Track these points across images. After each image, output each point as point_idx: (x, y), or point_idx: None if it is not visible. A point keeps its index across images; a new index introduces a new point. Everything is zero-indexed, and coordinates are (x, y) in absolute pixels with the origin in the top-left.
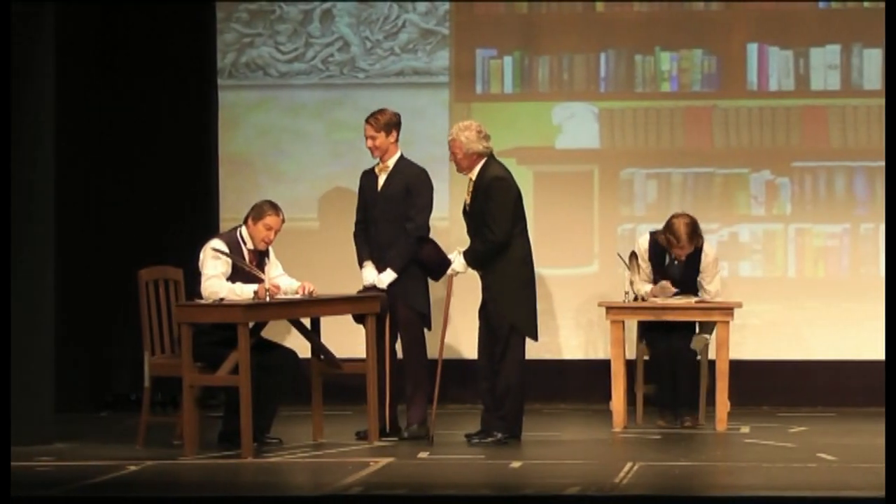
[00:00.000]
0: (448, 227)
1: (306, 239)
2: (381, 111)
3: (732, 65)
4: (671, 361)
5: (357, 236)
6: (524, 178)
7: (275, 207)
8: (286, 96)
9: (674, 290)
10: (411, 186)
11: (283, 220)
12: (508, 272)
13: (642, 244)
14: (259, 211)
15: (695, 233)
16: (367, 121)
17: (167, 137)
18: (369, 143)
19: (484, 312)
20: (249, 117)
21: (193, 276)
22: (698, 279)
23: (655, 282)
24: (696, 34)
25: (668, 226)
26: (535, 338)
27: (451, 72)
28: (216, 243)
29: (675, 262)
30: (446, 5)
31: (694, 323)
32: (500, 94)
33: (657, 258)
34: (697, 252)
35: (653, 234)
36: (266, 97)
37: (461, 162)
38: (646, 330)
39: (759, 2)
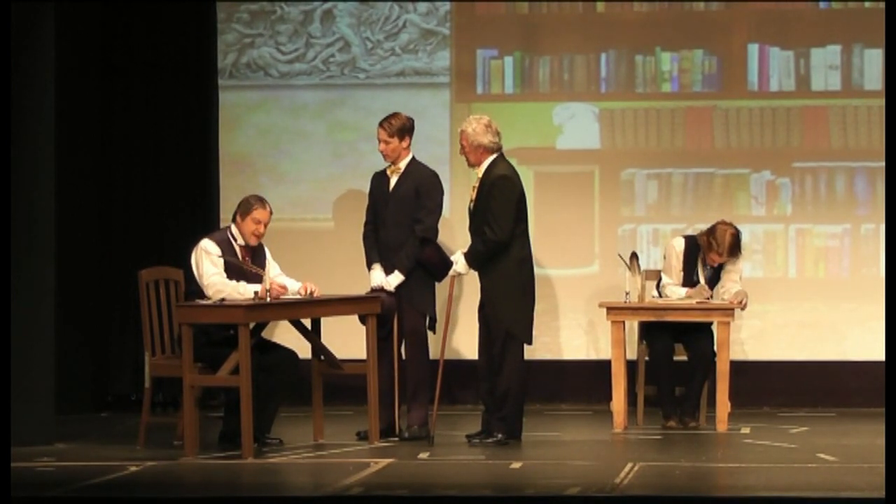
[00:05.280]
0: (450, 226)
1: (307, 239)
2: (395, 116)
3: (733, 65)
4: (693, 362)
5: (366, 238)
6: (525, 179)
7: (261, 201)
8: (287, 97)
9: (710, 292)
10: (421, 188)
11: (270, 213)
12: (506, 274)
13: (677, 247)
14: (246, 206)
15: (737, 246)
16: (380, 125)
17: (168, 138)
18: (381, 146)
19: (483, 313)
20: (250, 118)
21: (191, 277)
22: (722, 274)
23: (686, 286)
24: (696, 34)
25: (713, 231)
26: (529, 342)
27: (452, 72)
28: (208, 244)
29: (706, 268)
30: (447, 6)
31: (705, 323)
32: (500, 95)
33: (690, 263)
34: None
35: (688, 238)
36: (267, 97)
37: (468, 155)
38: (648, 330)
39: (760, 2)
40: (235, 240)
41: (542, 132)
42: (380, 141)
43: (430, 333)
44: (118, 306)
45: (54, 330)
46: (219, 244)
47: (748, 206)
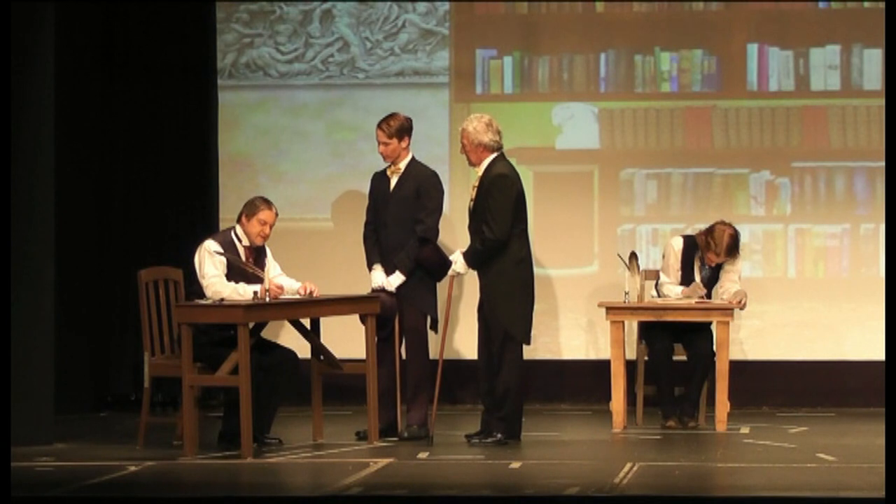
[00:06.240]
0: (450, 226)
1: (306, 239)
2: (393, 116)
3: (732, 65)
4: (692, 362)
5: (367, 239)
6: (524, 179)
7: (267, 202)
8: (286, 96)
9: (704, 290)
10: (422, 189)
11: (276, 215)
12: (504, 274)
13: (676, 246)
14: (252, 207)
15: (735, 247)
16: (378, 126)
17: (167, 137)
18: (381, 148)
19: (482, 313)
20: (249, 117)
21: (191, 277)
22: (721, 274)
23: (684, 285)
24: (696, 34)
25: (711, 231)
26: (527, 342)
27: (451, 72)
28: (211, 244)
29: (705, 268)
30: (446, 5)
31: (704, 323)
32: (500, 95)
33: (688, 263)
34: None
35: (686, 238)
36: (266, 97)
37: (469, 154)
38: (647, 330)
39: (759, 2)
40: (240, 240)
41: (542, 132)
42: (379, 143)
43: (430, 333)
44: (118, 306)
45: (54, 330)
46: (222, 245)
47: (747, 206)
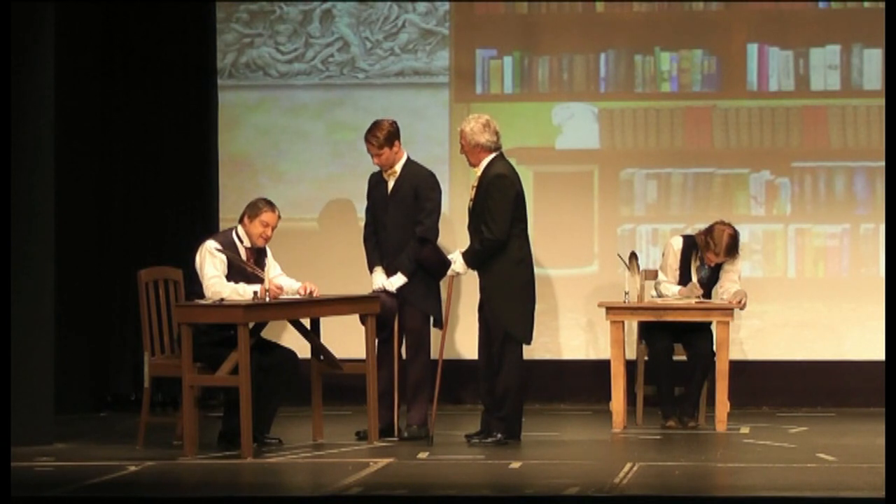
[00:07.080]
0: (450, 226)
1: (306, 239)
2: (377, 126)
3: (732, 65)
4: (692, 362)
5: (367, 240)
6: (524, 179)
7: (270, 204)
8: (286, 96)
9: (701, 291)
10: (419, 190)
11: (279, 217)
12: (504, 274)
13: (675, 246)
14: (255, 208)
15: (734, 247)
16: (366, 140)
17: (167, 137)
18: (375, 160)
19: (482, 313)
20: (249, 117)
21: (192, 277)
22: (721, 274)
23: (682, 285)
24: (696, 34)
25: (711, 231)
26: (528, 342)
27: (451, 72)
28: (213, 244)
29: (704, 268)
30: (446, 5)
31: (704, 323)
32: (499, 95)
33: (687, 262)
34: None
35: (686, 238)
36: (266, 97)
37: (468, 154)
38: (647, 330)
39: (759, 2)
40: (241, 241)
41: (542, 132)
42: (372, 155)
43: (430, 334)
44: (118, 306)
45: (54, 330)
46: (223, 245)
47: (747, 206)
